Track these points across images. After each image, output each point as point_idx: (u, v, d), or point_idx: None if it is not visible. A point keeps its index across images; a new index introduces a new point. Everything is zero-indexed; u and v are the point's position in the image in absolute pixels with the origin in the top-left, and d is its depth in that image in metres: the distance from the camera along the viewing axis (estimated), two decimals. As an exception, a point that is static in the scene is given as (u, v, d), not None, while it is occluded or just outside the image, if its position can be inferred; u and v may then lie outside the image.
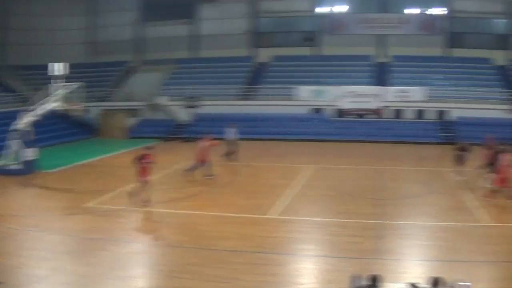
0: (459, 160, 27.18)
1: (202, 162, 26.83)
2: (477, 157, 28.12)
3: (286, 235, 17.64)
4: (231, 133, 33.30)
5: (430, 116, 46.45)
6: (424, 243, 17.25)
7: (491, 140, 28.91)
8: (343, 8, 53.88)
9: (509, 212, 21.53)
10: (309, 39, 55.28)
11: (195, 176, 26.84)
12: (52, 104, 30.45)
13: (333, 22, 53.26)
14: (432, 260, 15.58)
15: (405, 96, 46.28)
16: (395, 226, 18.75)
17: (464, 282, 9.83)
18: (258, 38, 56.14)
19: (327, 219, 19.72)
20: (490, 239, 17.61)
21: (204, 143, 27.19)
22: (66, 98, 30.95)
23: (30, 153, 29.24)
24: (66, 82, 31.79)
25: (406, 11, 53.54)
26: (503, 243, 17.16)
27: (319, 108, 47.63)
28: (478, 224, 19.38)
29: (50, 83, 31.95)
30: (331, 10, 53.82)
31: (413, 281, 10.06)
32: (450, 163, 29.72)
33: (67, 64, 33.48)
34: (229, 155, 32.97)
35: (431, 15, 53.33)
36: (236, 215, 20.11)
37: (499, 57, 52.63)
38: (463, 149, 27.33)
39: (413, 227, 18.96)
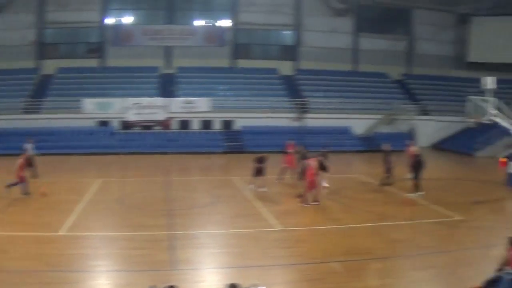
0: (258, 172, 27.88)
1: (21, 178, 25.40)
2: (275, 165, 29.85)
3: (78, 252, 16.97)
4: (29, 148, 31.93)
5: (217, 126, 47.62)
6: (218, 251, 17.60)
7: (293, 147, 30.72)
8: (129, 20, 53.58)
9: (298, 216, 22.68)
10: (94, 50, 54.31)
11: (11, 193, 24.98)
12: None
13: (120, 34, 52.48)
14: (227, 267, 15.97)
15: (192, 107, 46.91)
16: (187, 236, 18.84)
17: (259, 287, 10.05)
18: (44, 49, 53.80)
19: (117, 233, 19.29)
20: (281, 243, 18.44)
21: (20, 159, 25.83)
22: None
23: None
24: None
25: (192, 23, 54.42)
26: (293, 246, 18.05)
27: (106, 121, 46.72)
28: (269, 229, 20.12)
29: None
30: (118, 21, 52.97)
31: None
32: (237, 171, 31.03)
33: None
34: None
35: (217, 26, 54.62)
36: (25, 233, 18.85)
37: (285, 67, 55.56)
38: (260, 161, 28.01)
39: (205, 236, 19.19)
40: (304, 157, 27.46)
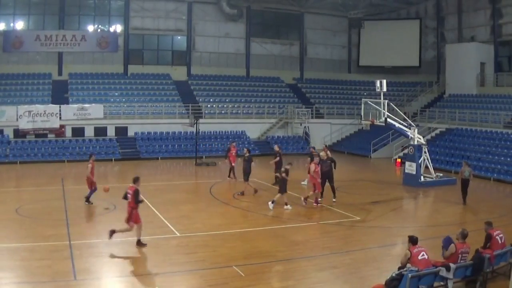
0: None
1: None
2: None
3: (-23, 265, 16.17)
4: None
5: (111, 133, 46.85)
6: (118, 259, 17.22)
7: (235, 148, 32.88)
8: (20, 25, 51.60)
9: (198, 221, 22.59)
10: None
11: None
12: None
13: (11, 40, 50.45)
14: (129, 275, 15.72)
15: (85, 114, 45.89)
16: (86, 245, 18.38)
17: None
18: None
19: (15, 244, 18.45)
20: (182, 249, 18.37)
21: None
22: None
23: None
24: None
25: (83, 28, 53.18)
26: (194, 252, 18.03)
27: (-1, 129, 44.86)
28: (170, 236, 20.03)
29: None
30: (8, 27, 50.83)
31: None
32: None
33: None
34: None
35: (109, 32, 53.87)
36: None
37: (178, 72, 55.81)
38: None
39: (104, 244, 18.63)
40: (249, 160, 28.71)
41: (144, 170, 39.11)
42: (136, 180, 18.63)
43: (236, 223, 22.35)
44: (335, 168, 27.53)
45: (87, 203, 25.47)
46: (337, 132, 53.90)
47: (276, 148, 32.71)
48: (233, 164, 33.09)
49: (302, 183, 31.75)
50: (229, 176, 33.32)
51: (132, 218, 18.22)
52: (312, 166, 25.89)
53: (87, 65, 52.55)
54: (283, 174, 25.11)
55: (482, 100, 48.11)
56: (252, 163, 28.95)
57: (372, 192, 29.96)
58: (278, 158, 30.97)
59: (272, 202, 25.16)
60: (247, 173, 28.71)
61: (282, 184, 25.14)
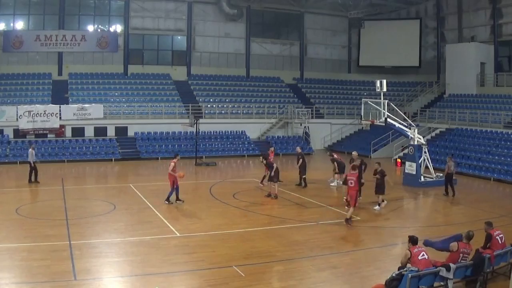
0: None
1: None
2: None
3: (-24, 265, 16.12)
4: None
5: (111, 133, 46.79)
6: (118, 259, 17.21)
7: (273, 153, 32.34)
8: (20, 25, 51.62)
9: (198, 221, 22.60)
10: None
11: None
12: None
13: (11, 40, 50.41)
14: (129, 275, 15.68)
15: (85, 114, 45.83)
16: (86, 246, 18.35)
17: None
18: None
19: (15, 245, 18.45)
20: (181, 249, 18.34)
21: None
22: None
23: None
24: None
25: (83, 28, 53.15)
26: (194, 252, 18.01)
27: (-1, 129, 44.81)
28: (169, 236, 20.00)
29: None
30: (8, 27, 50.81)
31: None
32: (134, 178, 30.50)
33: None
34: None
35: (109, 32, 53.83)
36: None
37: (178, 72, 55.76)
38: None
39: (104, 244, 18.73)
40: (270, 164, 28.60)
41: (144, 170, 39.12)
42: (355, 167, 23.05)
43: (236, 223, 22.32)
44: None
45: (167, 202, 25.91)
46: (337, 132, 53.88)
47: (298, 149, 32.44)
48: (267, 171, 30.85)
49: (332, 184, 31.87)
50: (261, 183, 31.62)
51: (354, 200, 21.72)
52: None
53: (87, 65, 52.54)
54: (378, 175, 25.74)
55: (482, 100, 48.08)
56: (274, 165, 28.49)
57: (372, 192, 29.86)
58: (302, 160, 30.82)
59: (379, 205, 25.64)
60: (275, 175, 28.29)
61: (379, 185, 25.63)
